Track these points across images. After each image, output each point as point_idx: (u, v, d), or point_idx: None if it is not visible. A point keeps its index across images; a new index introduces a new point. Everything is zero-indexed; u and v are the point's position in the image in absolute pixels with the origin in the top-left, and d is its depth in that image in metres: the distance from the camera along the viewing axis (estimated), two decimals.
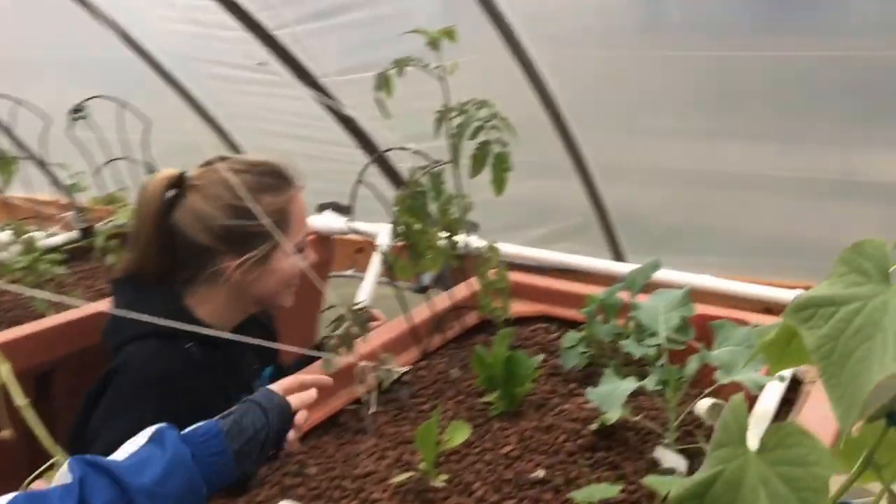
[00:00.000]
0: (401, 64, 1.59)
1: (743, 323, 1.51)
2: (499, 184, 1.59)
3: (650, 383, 1.23)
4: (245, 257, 1.58)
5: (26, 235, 2.43)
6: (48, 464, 1.13)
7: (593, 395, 1.25)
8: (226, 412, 1.20)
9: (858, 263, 0.68)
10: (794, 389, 1.45)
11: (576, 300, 1.91)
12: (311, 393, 1.32)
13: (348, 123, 3.06)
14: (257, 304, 1.70)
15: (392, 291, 1.74)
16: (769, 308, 1.93)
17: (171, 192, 1.59)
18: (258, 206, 1.49)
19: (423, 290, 2.21)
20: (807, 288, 2.72)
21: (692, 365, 1.27)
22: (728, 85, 2.58)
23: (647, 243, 3.26)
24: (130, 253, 1.63)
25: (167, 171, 1.62)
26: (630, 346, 1.35)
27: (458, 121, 1.57)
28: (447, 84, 1.64)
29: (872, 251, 0.68)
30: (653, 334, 1.39)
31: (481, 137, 1.56)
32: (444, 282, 2.16)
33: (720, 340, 1.26)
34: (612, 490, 0.85)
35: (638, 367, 1.59)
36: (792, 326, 0.65)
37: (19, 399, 1.04)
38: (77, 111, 2.62)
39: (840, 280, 0.68)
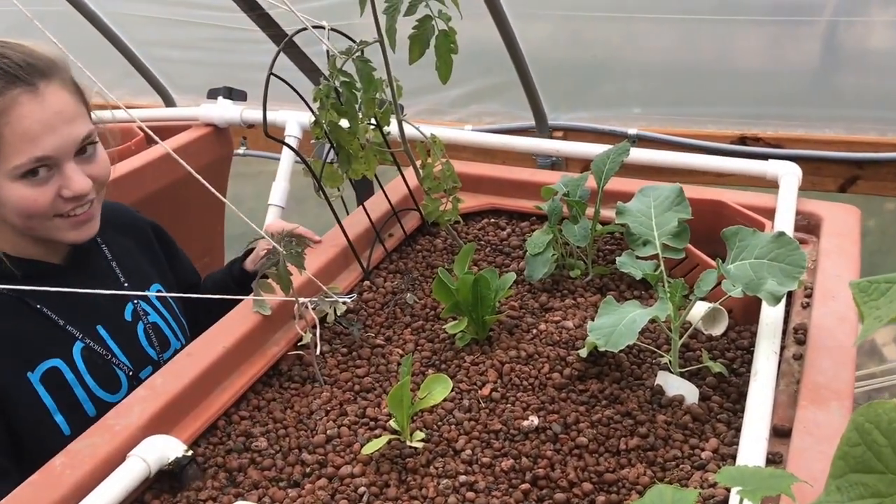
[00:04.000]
0: None
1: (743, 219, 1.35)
2: (445, 69, 1.31)
3: (661, 312, 1.04)
4: None
5: None
6: None
7: (595, 332, 1.05)
8: None
9: None
10: None
11: (524, 189, 1.70)
12: None
13: None
14: (32, 238, 1.34)
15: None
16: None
17: None
18: None
19: None
20: (742, 139, 2.61)
21: (706, 283, 1.08)
22: None
23: (564, 96, 3.06)
24: None
25: None
26: (627, 264, 1.15)
27: None
28: None
29: None
30: (646, 242, 1.19)
31: (420, 13, 1.26)
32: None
33: (737, 251, 1.07)
34: (687, 500, 0.67)
35: (608, 265, 1.41)
36: None
37: None
38: None
39: None
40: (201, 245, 2.25)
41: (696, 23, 2.63)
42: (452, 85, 3.21)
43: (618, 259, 1.18)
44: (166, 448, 1.06)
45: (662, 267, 1.15)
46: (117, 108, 1.35)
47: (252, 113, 2.11)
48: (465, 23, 1.36)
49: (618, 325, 1.03)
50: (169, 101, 3.57)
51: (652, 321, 1.17)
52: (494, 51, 2.81)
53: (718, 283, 1.13)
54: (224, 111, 2.13)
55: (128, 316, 1.43)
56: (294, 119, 1.99)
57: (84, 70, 1.22)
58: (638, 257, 1.18)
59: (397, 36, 1.34)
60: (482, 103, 3.14)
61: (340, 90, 1.37)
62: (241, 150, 3.20)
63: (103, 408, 1.30)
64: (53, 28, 1.21)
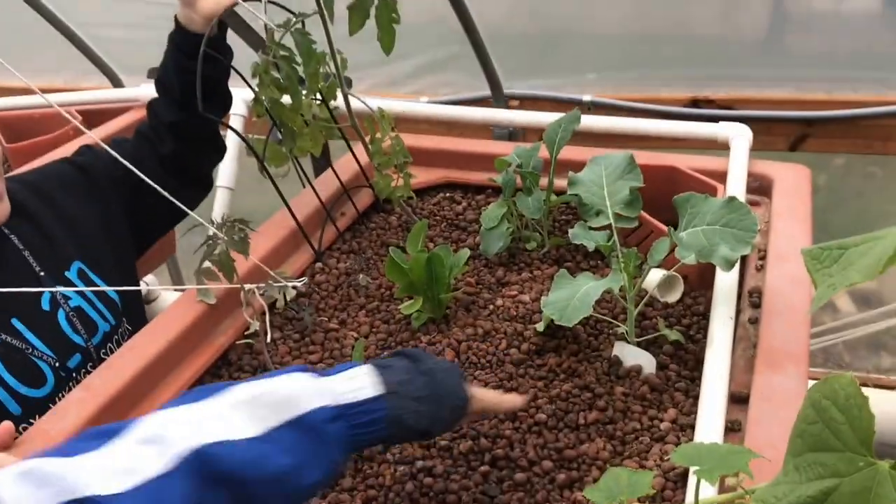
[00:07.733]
0: None
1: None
2: (388, 40, 1.26)
3: (615, 283, 1.02)
4: None
5: None
6: None
7: (549, 307, 1.02)
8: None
9: None
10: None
11: (479, 161, 1.66)
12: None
13: None
14: None
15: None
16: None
17: None
18: None
19: None
20: (695, 101, 2.61)
21: (659, 252, 1.07)
22: None
23: (519, 65, 3.04)
24: None
25: None
26: (580, 236, 1.12)
27: None
28: None
29: None
30: (599, 213, 1.16)
31: None
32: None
33: (688, 218, 1.05)
34: (642, 483, 0.65)
35: (564, 236, 1.39)
36: None
37: None
38: None
39: None
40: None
41: None
42: (408, 56, 3.16)
43: (570, 231, 1.16)
44: None
45: (616, 237, 1.13)
46: (32, 91, 1.27)
47: None
48: None
49: (572, 298, 1.01)
50: (116, 83, 3.45)
51: (608, 291, 1.15)
52: (449, 20, 2.76)
53: (672, 251, 1.11)
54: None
55: (45, 305, 1.33)
56: (238, 96, 1.93)
57: None
58: (591, 228, 1.16)
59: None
60: (438, 74, 3.08)
61: (280, 65, 1.32)
62: None
63: (29, 404, 1.24)
64: None
